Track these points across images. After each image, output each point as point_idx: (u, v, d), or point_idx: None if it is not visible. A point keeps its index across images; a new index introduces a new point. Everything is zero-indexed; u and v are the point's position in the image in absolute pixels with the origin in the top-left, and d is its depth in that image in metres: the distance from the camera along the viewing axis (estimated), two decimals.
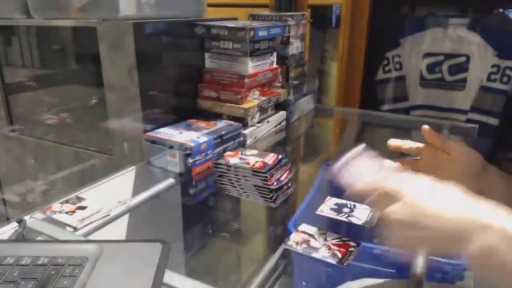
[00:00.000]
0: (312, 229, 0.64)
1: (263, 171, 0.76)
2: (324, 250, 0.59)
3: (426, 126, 0.66)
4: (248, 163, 0.79)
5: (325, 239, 0.62)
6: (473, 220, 0.40)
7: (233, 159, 0.83)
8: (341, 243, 0.61)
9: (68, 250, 0.49)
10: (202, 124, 0.95)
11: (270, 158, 0.81)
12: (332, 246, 0.60)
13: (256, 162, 0.79)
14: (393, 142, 0.70)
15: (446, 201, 0.43)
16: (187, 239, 0.89)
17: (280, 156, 0.82)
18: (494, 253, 0.38)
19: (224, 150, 0.91)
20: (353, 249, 0.59)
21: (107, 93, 0.90)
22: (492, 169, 0.63)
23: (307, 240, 0.61)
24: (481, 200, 0.42)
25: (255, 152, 0.86)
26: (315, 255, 0.58)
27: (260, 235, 0.95)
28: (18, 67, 1.18)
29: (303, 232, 0.63)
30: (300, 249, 0.59)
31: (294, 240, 0.61)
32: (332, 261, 0.57)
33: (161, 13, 0.93)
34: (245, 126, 0.99)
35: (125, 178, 0.85)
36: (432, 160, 0.66)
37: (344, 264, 0.56)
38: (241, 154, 0.85)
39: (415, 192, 0.45)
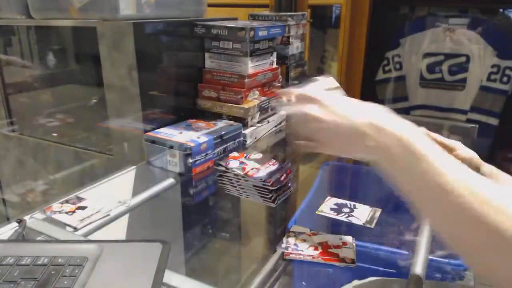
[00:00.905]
0: (305, 230, 0.64)
1: (253, 179, 0.77)
2: (318, 251, 0.59)
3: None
4: (244, 169, 0.80)
5: (319, 239, 0.62)
6: (374, 122, 0.45)
7: (233, 162, 0.83)
8: (335, 242, 0.61)
9: (68, 250, 0.49)
10: (202, 124, 0.95)
11: (268, 166, 0.81)
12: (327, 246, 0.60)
13: (252, 168, 0.79)
14: None
15: (356, 106, 0.49)
16: (187, 239, 0.89)
17: (279, 164, 0.82)
18: (387, 153, 0.43)
19: (224, 150, 0.91)
20: (350, 247, 0.59)
21: (107, 93, 0.90)
22: (487, 168, 0.63)
23: (303, 240, 0.61)
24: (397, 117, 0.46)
25: (258, 156, 0.86)
26: (310, 258, 0.58)
27: (260, 235, 0.95)
28: (18, 67, 1.18)
29: (296, 233, 0.63)
30: (294, 250, 0.59)
31: (288, 242, 0.61)
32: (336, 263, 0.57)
33: (161, 13, 0.93)
34: (245, 126, 0.99)
35: (125, 178, 0.85)
36: None
37: (346, 263, 0.57)
38: (245, 157, 0.85)
39: (332, 98, 0.52)
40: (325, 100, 0.51)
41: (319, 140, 0.53)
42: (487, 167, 0.63)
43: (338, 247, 0.60)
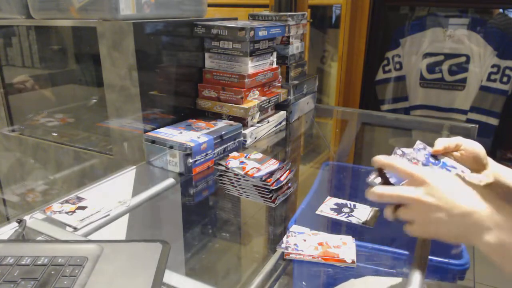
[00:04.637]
0: (305, 230, 0.64)
1: (253, 178, 0.77)
2: (318, 251, 0.59)
3: (436, 150, 0.64)
4: (244, 168, 0.80)
5: (319, 239, 0.62)
6: (491, 215, 0.46)
7: (233, 161, 0.83)
8: (335, 242, 0.61)
9: (68, 250, 0.49)
10: (202, 124, 0.95)
11: (268, 165, 0.81)
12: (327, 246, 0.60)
13: (252, 168, 0.80)
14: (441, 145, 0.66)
15: (467, 194, 0.49)
16: (187, 239, 0.89)
17: (279, 163, 0.82)
18: (505, 248, 0.44)
19: (224, 150, 0.91)
20: (350, 247, 0.59)
21: (107, 93, 0.90)
22: (489, 161, 0.64)
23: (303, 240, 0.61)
24: (499, 199, 0.48)
25: (258, 156, 0.86)
26: (310, 258, 0.58)
27: (260, 235, 0.95)
28: (18, 67, 1.18)
29: (295, 233, 0.63)
30: (295, 250, 0.59)
31: (288, 242, 0.61)
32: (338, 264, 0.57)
33: (161, 13, 0.93)
34: (245, 126, 0.99)
35: (125, 178, 0.85)
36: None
37: (350, 262, 0.56)
38: (245, 157, 0.85)
39: (441, 181, 0.50)
40: (434, 183, 0.50)
41: (424, 228, 0.51)
42: (488, 160, 0.63)
43: (338, 247, 0.60)
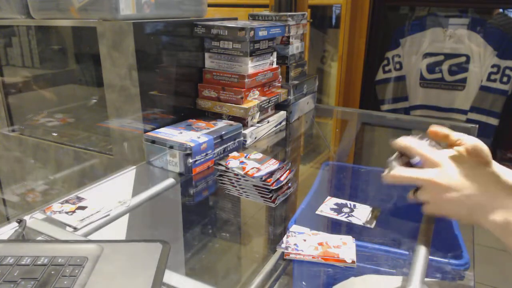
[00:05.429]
0: (305, 230, 0.64)
1: (253, 178, 0.77)
2: (318, 251, 0.59)
3: (431, 130, 0.65)
4: (244, 168, 0.80)
5: (319, 239, 0.62)
6: (498, 196, 0.49)
7: (233, 161, 0.83)
8: (335, 243, 0.61)
9: (68, 250, 0.49)
10: (202, 124, 0.95)
11: (268, 165, 0.81)
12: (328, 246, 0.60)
13: (252, 168, 0.80)
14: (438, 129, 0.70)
15: (476, 177, 0.53)
16: (187, 239, 0.88)
17: (279, 163, 0.82)
18: (511, 227, 0.47)
19: (224, 150, 0.91)
20: (350, 247, 0.59)
21: (107, 93, 0.90)
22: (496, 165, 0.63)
23: (303, 240, 0.61)
24: (505, 182, 0.51)
25: (258, 156, 0.86)
26: (310, 258, 0.58)
27: (260, 235, 0.95)
28: (18, 67, 1.18)
29: (295, 233, 0.63)
30: (295, 250, 0.59)
31: (288, 242, 0.61)
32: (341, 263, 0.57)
33: (161, 13, 0.93)
34: (245, 126, 0.99)
35: (125, 178, 0.85)
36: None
37: (350, 262, 0.56)
38: (245, 157, 0.85)
39: (453, 164, 0.54)
40: (448, 165, 0.54)
41: (438, 207, 0.56)
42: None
43: (338, 247, 0.60)
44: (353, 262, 0.57)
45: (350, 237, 0.62)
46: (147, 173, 0.87)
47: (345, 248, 0.59)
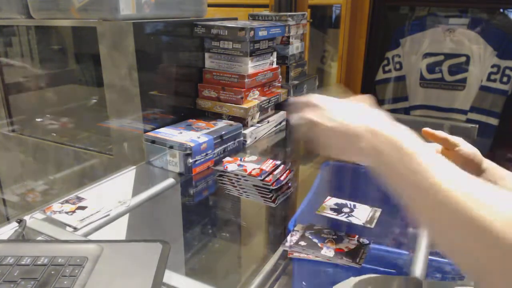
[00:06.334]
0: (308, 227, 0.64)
1: (260, 178, 0.77)
2: (327, 250, 0.59)
3: (425, 129, 0.67)
4: (245, 170, 0.79)
5: (323, 237, 0.62)
6: (368, 125, 0.48)
7: (231, 165, 0.82)
8: (338, 240, 0.61)
9: (68, 250, 0.49)
10: (202, 124, 0.95)
11: (268, 165, 0.81)
12: (335, 246, 0.60)
13: (254, 169, 0.79)
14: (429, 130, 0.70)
15: (356, 111, 0.52)
16: (187, 239, 0.89)
17: (277, 163, 0.82)
18: (380, 155, 0.45)
19: (224, 150, 0.91)
20: (363, 248, 0.59)
21: (107, 93, 0.90)
22: (488, 164, 0.63)
23: (308, 239, 0.61)
24: (393, 122, 0.49)
25: (253, 158, 0.86)
26: (319, 257, 0.58)
27: (260, 235, 0.95)
28: (18, 67, 1.18)
29: (299, 231, 0.63)
30: (300, 250, 0.59)
31: (292, 241, 0.61)
32: (346, 262, 0.57)
33: (161, 13, 0.93)
34: (245, 126, 0.99)
35: (125, 178, 0.85)
36: None
37: (359, 264, 0.56)
38: (240, 160, 0.85)
39: (334, 104, 0.55)
40: (326, 106, 0.55)
41: (319, 143, 0.55)
42: (488, 163, 0.63)
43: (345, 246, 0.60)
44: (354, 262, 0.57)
45: (349, 234, 0.62)
46: (147, 173, 0.87)
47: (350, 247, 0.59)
